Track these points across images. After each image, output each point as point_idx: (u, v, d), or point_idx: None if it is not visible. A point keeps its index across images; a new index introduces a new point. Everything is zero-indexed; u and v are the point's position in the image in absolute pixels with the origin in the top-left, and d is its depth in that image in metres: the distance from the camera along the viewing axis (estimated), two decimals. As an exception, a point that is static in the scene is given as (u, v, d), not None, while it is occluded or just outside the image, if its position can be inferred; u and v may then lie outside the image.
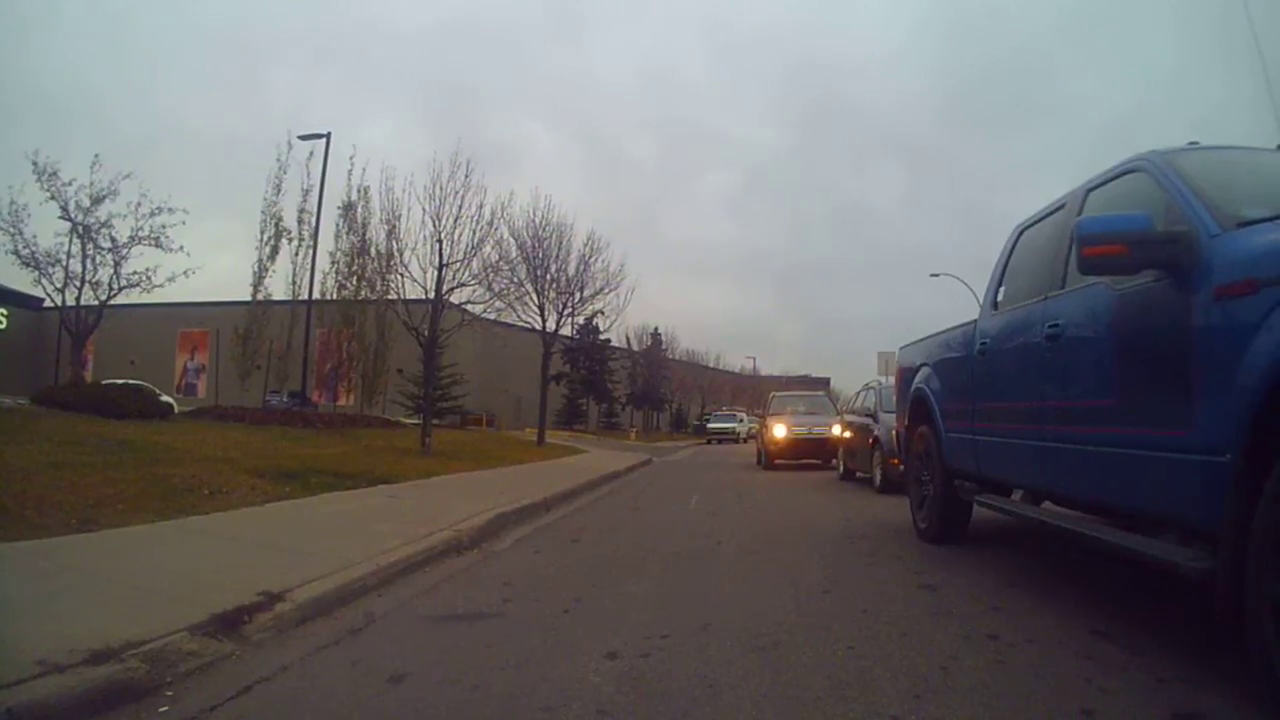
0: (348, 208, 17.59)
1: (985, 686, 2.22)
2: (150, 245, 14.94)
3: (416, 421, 17.03)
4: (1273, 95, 3.97)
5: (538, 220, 17.40)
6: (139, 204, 14.72)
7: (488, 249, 13.81)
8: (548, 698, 2.21)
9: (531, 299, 17.66)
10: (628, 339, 39.17)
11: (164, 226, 14.90)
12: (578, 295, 18.56)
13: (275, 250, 18.44)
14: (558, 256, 17.85)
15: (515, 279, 16.68)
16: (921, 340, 5.63)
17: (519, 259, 16.91)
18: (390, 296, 15.23)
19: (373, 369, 18.84)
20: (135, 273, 15.13)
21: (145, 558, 3.70)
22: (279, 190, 18.48)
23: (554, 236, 17.74)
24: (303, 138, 18.87)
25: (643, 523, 6.53)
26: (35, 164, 13.85)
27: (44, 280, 14.83)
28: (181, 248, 15.24)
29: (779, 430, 13.93)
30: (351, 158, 18.00)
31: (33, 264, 14.48)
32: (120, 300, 15.71)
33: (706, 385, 52.51)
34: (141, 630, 2.50)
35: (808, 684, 2.28)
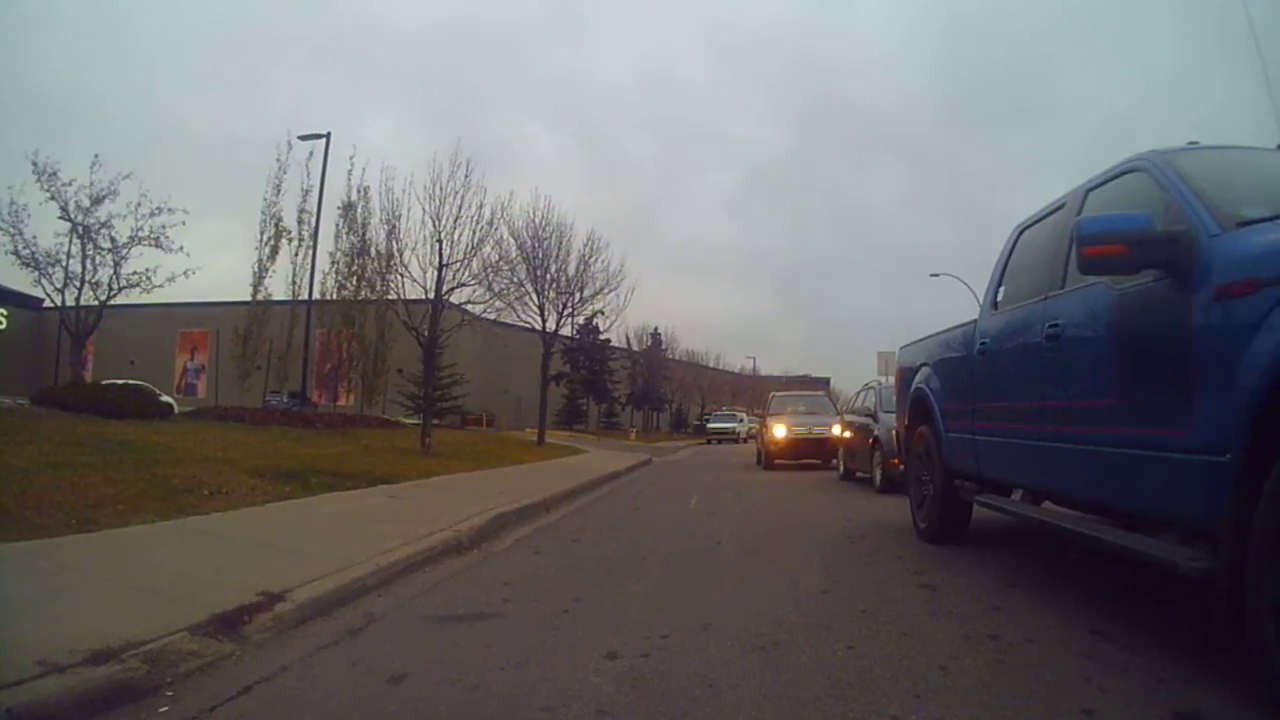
0: (348, 208, 17.56)
1: (985, 686, 2.22)
2: (150, 245, 14.99)
3: (416, 421, 17.04)
4: (1273, 95, 3.97)
5: (538, 220, 17.43)
6: (139, 204, 14.77)
7: (488, 249, 13.82)
8: (548, 698, 2.21)
9: (531, 299, 17.68)
10: (628, 339, 39.22)
11: (164, 227, 14.96)
12: (578, 295, 18.58)
13: (275, 250, 18.43)
14: (558, 256, 17.88)
15: (515, 279, 16.70)
16: (921, 340, 5.63)
17: (519, 259, 16.92)
18: (390, 296, 15.21)
19: (373, 369, 18.81)
20: (135, 273, 15.18)
21: (145, 558, 3.70)
22: (279, 190, 18.48)
23: (554, 236, 17.76)
24: (303, 138, 18.88)
25: (643, 523, 6.53)
26: (35, 164, 13.89)
27: (44, 280, 14.87)
28: (181, 248, 15.29)
29: (779, 430, 13.93)
30: (351, 158, 17.96)
31: (33, 264, 14.51)
32: (120, 300, 15.73)
33: (706, 385, 52.50)
34: (141, 630, 2.50)
35: (808, 684, 2.28)
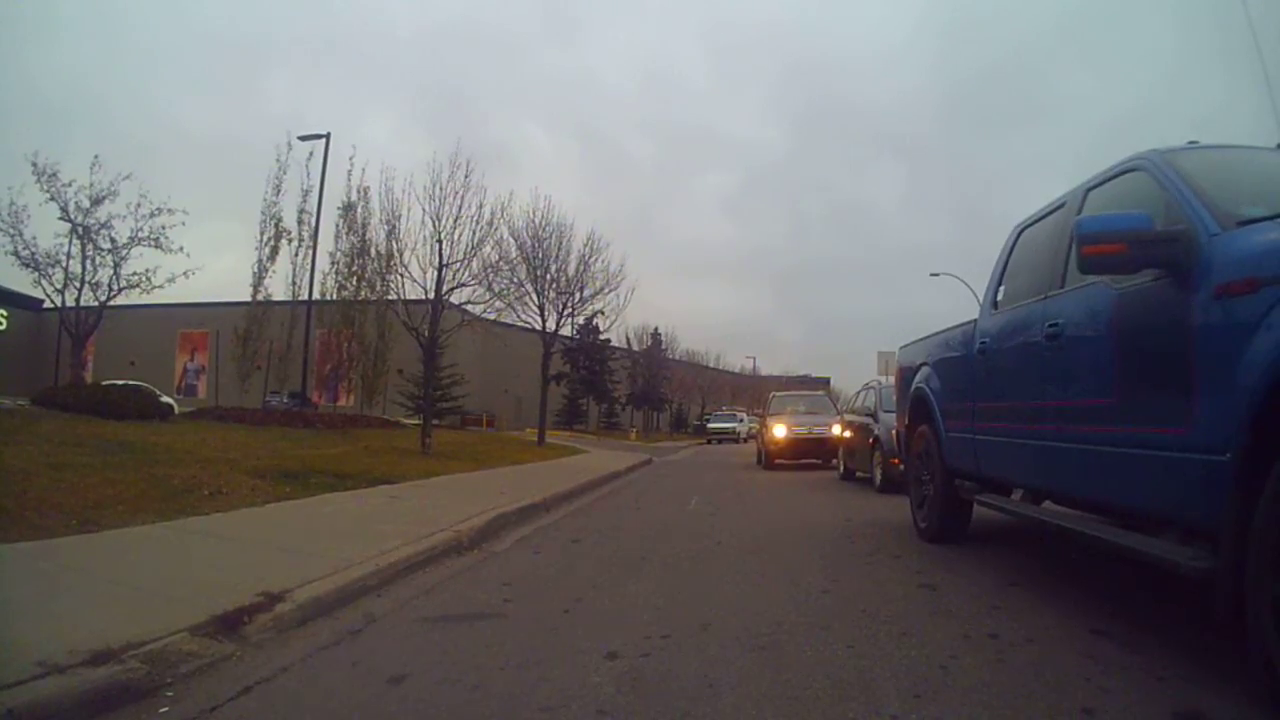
0: (347, 208, 17.57)
1: (985, 686, 2.22)
2: (150, 246, 14.96)
3: (416, 422, 17.02)
4: (1273, 95, 3.98)
5: (537, 220, 17.45)
6: (138, 205, 14.75)
7: (488, 249, 13.81)
8: (548, 698, 2.21)
9: (531, 299, 17.69)
10: (628, 339, 39.22)
11: (164, 227, 14.93)
12: (578, 295, 18.59)
13: (275, 251, 18.46)
14: (558, 256, 17.90)
15: (515, 279, 16.71)
16: (921, 340, 5.63)
17: (519, 259, 16.93)
18: (390, 297, 15.20)
19: (373, 369, 18.82)
20: (135, 273, 15.16)
21: (145, 559, 3.70)
22: (279, 191, 18.50)
23: (554, 236, 17.79)
24: (302, 138, 18.89)
25: (643, 523, 6.52)
26: (35, 165, 13.87)
27: (44, 281, 14.84)
28: (181, 248, 15.27)
29: (779, 430, 13.93)
30: (351, 158, 18.00)
31: (32, 265, 14.48)
32: (120, 301, 15.72)
33: (706, 385, 52.48)
34: (141, 631, 2.50)
35: (808, 684, 2.28)
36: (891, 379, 8.69)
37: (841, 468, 11.69)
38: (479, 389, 32.35)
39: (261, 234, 18.44)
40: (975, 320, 4.49)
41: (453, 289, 13.01)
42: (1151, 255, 2.56)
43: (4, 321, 25.12)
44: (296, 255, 18.64)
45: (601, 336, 35.67)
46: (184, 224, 15.17)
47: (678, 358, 47.42)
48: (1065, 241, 3.33)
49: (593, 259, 18.57)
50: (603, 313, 20.93)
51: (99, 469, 6.08)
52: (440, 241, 12.64)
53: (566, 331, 22.86)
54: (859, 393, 12.26)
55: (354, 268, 17.57)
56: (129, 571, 3.39)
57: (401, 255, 13.22)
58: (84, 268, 14.84)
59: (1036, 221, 4.05)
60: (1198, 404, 2.27)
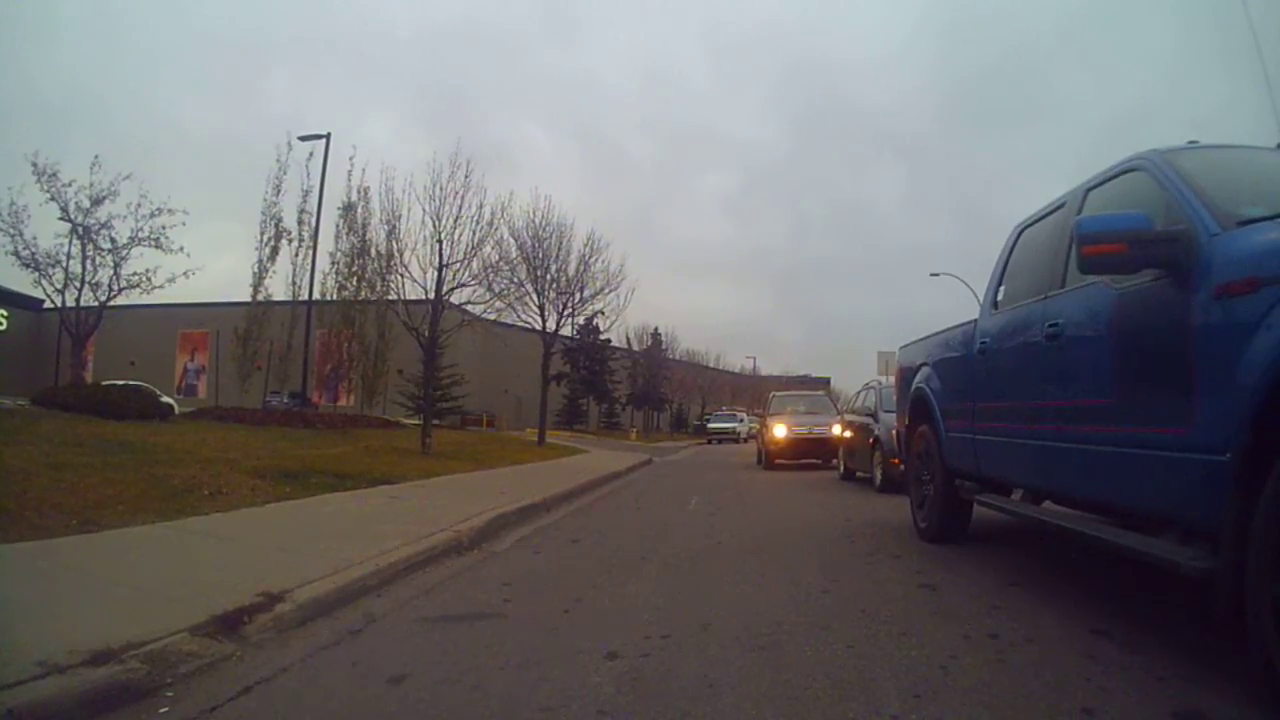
0: (347, 208, 17.55)
1: (985, 686, 2.22)
2: (150, 246, 14.97)
3: (417, 422, 17.02)
4: (1273, 95, 3.97)
5: (538, 220, 17.46)
6: (139, 205, 14.75)
7: (488, 249, 13.81)
8: (548, 698, 2.21)
9: (531, 299, 17.69)
10: (628, 339, 39.24)
11: (164, 227, 14.94)
12: (578, 295, 18.59)
13: (275, 251, 18.43)
14: (558, 256, 17.90)
15: (515, 279, 16.71)
16: (921, 340, 5.63)
17: (519, 259, 16.94)
18: (390, 297, 15.20)
19: (373, 369, 18.80)
20: (135, 274, 15.16)
21: (145, 559, 3.70)
22: (279, 191, 18.47)
23: (554, 237, 17.79)
24: (302, 138, 18.88)
25: (643, 523, 6.52)
26: (35, 165, 13.86)
27: (44, 281, 14.84)
28: (181, 249, 15.27)
29: (779, 430, 13.93)
30: (351, 158, 17.96)
31: (33, 265, 14.48)
32: (120, 301, 15.72)
33: (706, 385, 52.48)
34: (142, 631, 2.50)
35: (808, 684, 2.28)
36: (891, 379, 8.69)
37: (841, 468, 11.69)
38: (479, 389, 32.35)
39: (261, 234, 18.45)
40: (975, 320, 4.49)
41: (453, 289, 13.02)
42: (1151, 255, 2.56)
43: (4, 321, 25.14)
44: (296, 255, 18.65)
45: (601, 336, 35.69)
46: (184, 224, 15.20)
47: (678, 358, 47.43)
48: (1065, 241, 3.33)
49: (593, 259, 18.60)
50: (603, 313, 20.98)
51: (99, 469, 6.08)
52: (440, 241, 12.64)
53: (566, 331, 22.85)
54: (859, 393, 12.26)
55: (354, 268, 17.57)
56: (129, 571, 3.39)
57: (401, 255, 13.24)
58: (84, 268, 14.85)
59: (1036, 221, 4.05)
60: (1198, 404, 2.27)
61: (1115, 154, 3.32)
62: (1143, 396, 2.64)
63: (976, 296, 16.27)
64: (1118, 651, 2.53)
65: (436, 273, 12.63)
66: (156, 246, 14.96)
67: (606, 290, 19.15)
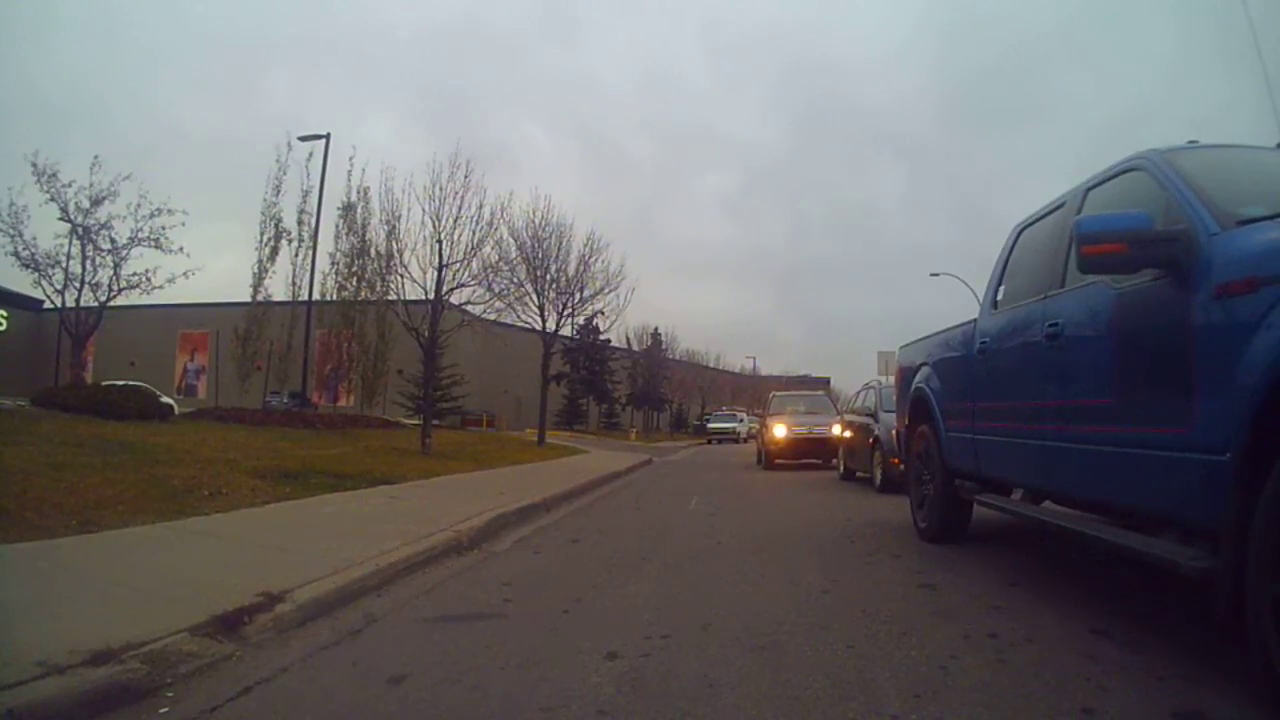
0: (347, 208, 17.57)
1: (985, 685, 2.22)
2: (150, 246, 14.96)
3: (416, 422, 17.02)
4: (1273, 95, 3.98)
5: (537, 220, 17.45)
6: (138, 205, 14.74)
7: (487, 249, 13.82)
8: (548, 698, 2.21)
9: (531, 299, 17.68)
10: (628, 339, 39.23)
11: (163, 228, 14.93)
12: (578, 295, 18.58)
13: (275, 251, 18.44)
14: (557, 257, 17.89)
15: (515, 279, 16.70)
16: (921, 340, 5.63)
17: (519, 259, 16.93)
18: (390, 297, 15.21)
19: (373, 370, 18.81)
20: (135, 274, 15.16)
21: (145, 559, 3.70)
22: (279, 191, 18.48)
23: (554, 237, 17.78)
24: (302, 139, 18.88)
25: (643, 523, 6.52)
26: (35, 165, 13.85)
27: (44, 282, 14.83)
28: (181, 249, 15.27)
29: (779, 430, 13.93)
30: (351, 159, 18.00)
31: (32, 265, 14.47)
32: (120, 301, 15.71)
33: (706, 385, 52.48)
34: (141, 631, 2.50)
35: (808, 684, 2.28)
36: (891, 379, 8.69)
37: (841, 468, 11.69)
38: (479, 389, 32.34)
39: (261, 234, 18.45)
40: (975, 320, 4.49)
41: (453, 289, 13.02)
42: (1151, 255, 2.55)
43: (4, 322, 25.10)
44: (296, 255, 18.66)
45: (601, 336, 35.69)
46: (184, 224, 15.19)
47: (678, 358, 47.42)
48: (1065, 241, 3.33)
49: (593, 259, 18.59)
50: (603, 313, 20.98)
51: (99, 469, 6.08)
52: (440, 242, 12.64)
53: (566, 331, 22.85)
54: (859, 393, 12.25)
55: (354, 268, 17.58)
56: (129, 571, 3.39)
57: (401, 255, 13.25)
58: (84, 268, 14.84)
59: (1036, 221, 4.05)
60: (1198, 404, 2.27)
61: (1115, 154, 3.33)
62: (1143, 396, 2.64)
63: (976, 296, 16.27)
64: (1118, 651, 2.53)
65: (436, 273, 12.63)
66: (156, 247, 14.98)
67: (606, 290, 19.18)
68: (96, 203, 14.47)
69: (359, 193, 17.27)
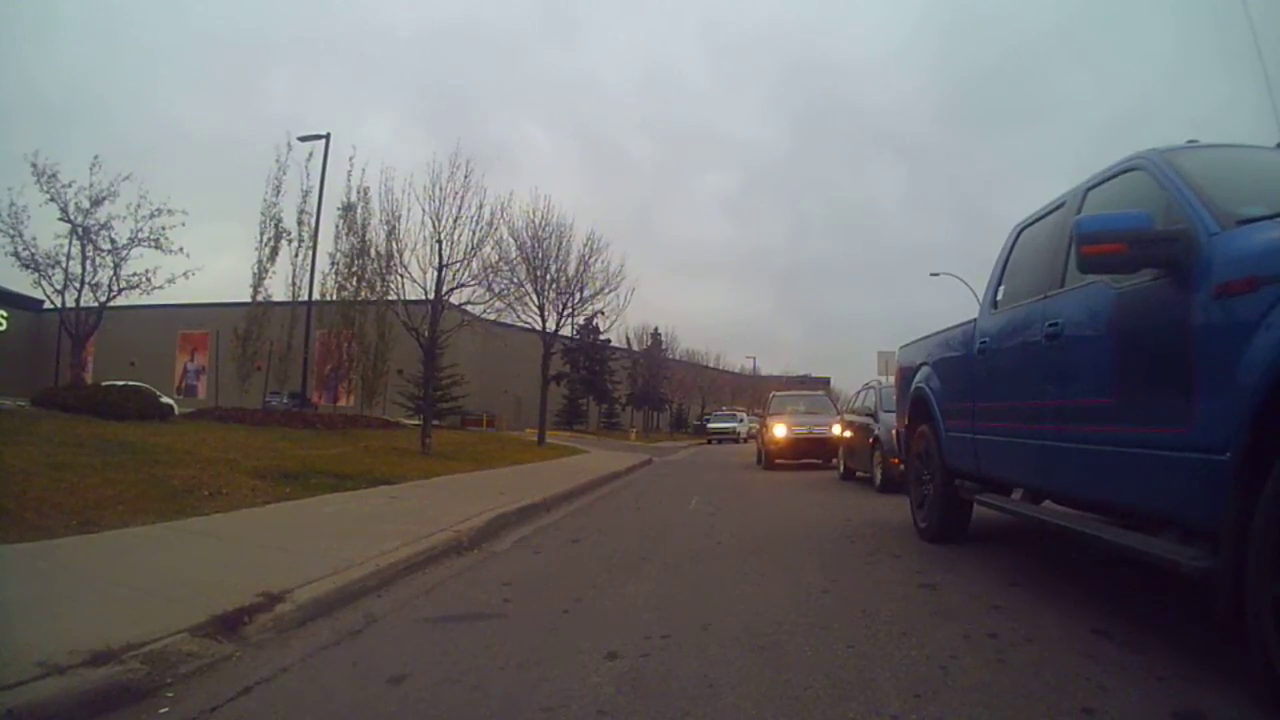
0: (347, 209, 17.54)
1: (985, 685, 2.22)
2: (150, 247, 14.95)
3: (416, 422, 17.02)
4: (1273, 95, 3.98)
5: (537, 220, 17.45)
6: (138, 205, 14.72)
7: (487, 249, 13.82)
8: (548, 698, 2.21)
9: (531, 299, 17.69)
10: (628, 339, 39.22)
11: (163, 228, 14.91)
12: (578, 295, 18.58)
13: (275, 251, 18.42)
14: (557, 257, 17.89)
15: (515, 279, 16.70)
16: (921, 339, 5.62)
17: (519, 259, 16.94)
18: (390, 297, 15.20)
19: (373, 370, 18.79)
20: (135, 274, 15.14)
21: (145, 559, 3.70)
22: (278, 191, 18.46)
23: (554, 237, 17.79)
24: (302, 139, 18.87)
25: (643, 523, 6.52)
26: (35, 166, 13.84)
27: (44, 282, 14.82)
28: (181, 249, 15.26)
29: (779, 430, 13.93)
30: (351, 159, 17.95)
31: (32, 265, 14.46)
32: (120, 302, 15.70)
33: (706, 385, 52.46)
34: (141, 631, 2.50)
35: (808, 684, 2.28)
36: (891, 379, 8.68)
37: (841, 468, 11.68)
38: (479, 389, 32.34)
39: (261, 234, 18.43)
40: (975, 320, 4.49)
41: (453, 289, 13.02)
42: (1151, 255, 2.55)
43: (4, 322, 25.08)
44: (296, 256, 18.64)
45: (601, 336, 35.68)
46: (184, 224, 15.17)
47: (678, 358, 47.41)
48: (1065, 241, 3.33)
49: (593, 259, 18.60)
50: (603, 313, 20.98)
51: (99, 469, 6.08)
52: (440, 242, 12.64)
53: (566, 331, 22.85)
54: (859, 393, 12.25)
55: (354, 268, 17.55)
56: (129, 572, 3.39)
57: (401, 255, 13.25)
58: (84, 268, 14.82)
59: (1036, 221, 4.05)
60: (1198, 403, 2.27)
61: (1115, 154, 3.33)
62: (1142, 396, 2.64)
63: (976, 296, 16.27)
64: (1118, 651, 2.53)
65: (436, 273, 12.63)
66: (156, 247, 14.96)
67: (606, 290, 19.18)
68: (96, 203, 14.46)
69: (359, 193, 17.27)
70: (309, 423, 15.12)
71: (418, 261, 12.88)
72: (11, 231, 14.08)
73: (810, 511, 7.13)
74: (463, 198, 12.87)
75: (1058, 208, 3.73)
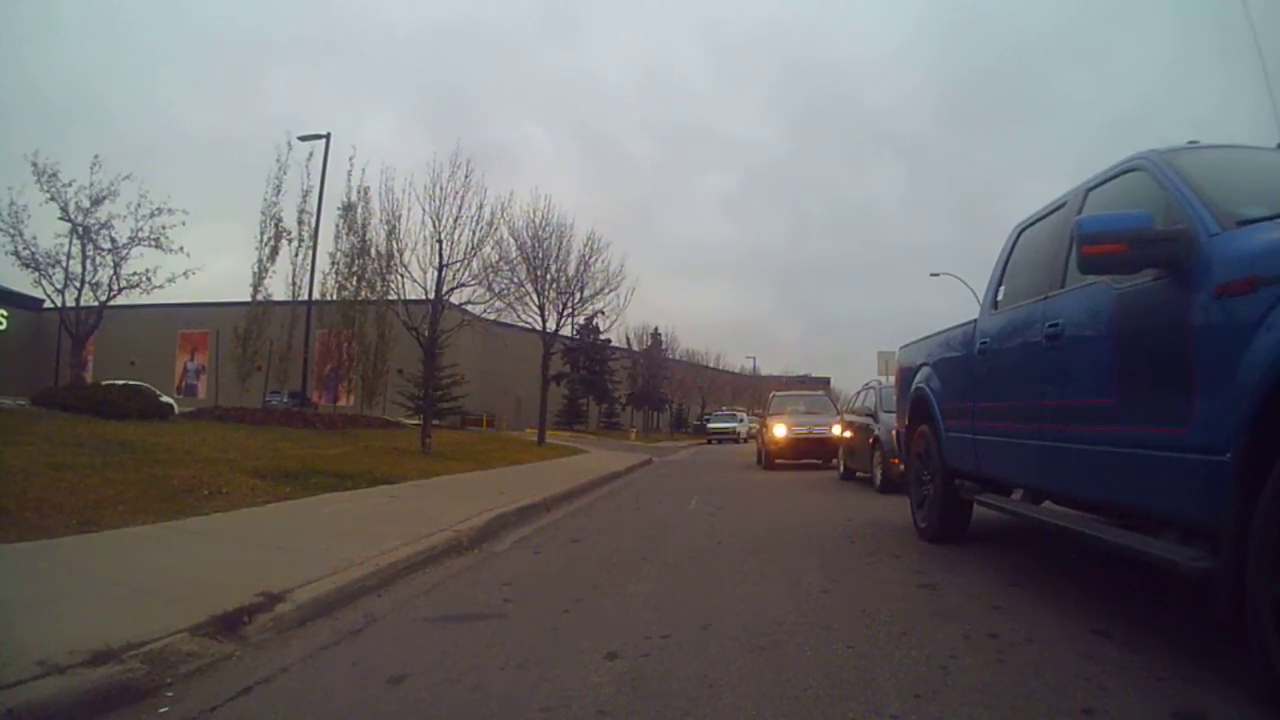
0: (347, 208, 17.55)
1: (985, 686, 2.22)
2: (150, 246, 14.92)
3: (416, 422, 17.01)
4: (1273, 95, 3.98)
5: (537, 220, 17.46)
6: (138, 205, 14.70)
7: (488, 249, 13.81)
8: (548, 698, 2.21)
9: (531, 299, 17.69)
10: (628, 339, 39.21)
11: (164, 227, 14.88)
12: (578, 295, 18.59)
13: (275, 251, 18.40)
14: (558, 256, 17.90)
15: (515, 279, 16.71)
16: (922, 340, 5.62)
17: (519, 259, 16.94)
18: (390, 297, 15.21)
19: (373, 369, 18.80)
20: (135, 273, 15.11)
21: (145, 559, 3.70)
22: (279, 191, 18.44)
23: (554, 236, 17.79)
24: (302, 138, 18.86)
25: (643, 523, 6.52)
26: (35, 165, 13.82)
27: (44, 281, 14.79)
28: (181, 248, 15.23)
29: (779, 430, 13.93)
30: (351, 158, 17.95)
31: (33, 265, 14.44)
32: (120, 301, 15.68)
33: (706, 385, 52.47)
34: (141, 631, 2.50)
35: (808, 684, 2.28)
36: (891, 379, 8.69)
37: (841, 468, 11.68)
38: (479, 389, 32.32)
39: (261, 234, 18.41)
40: (975, 320, 4.49)
41: (453, 289, 13.02)
42: (1152, 255, 2.55)
43: (4, 321, 25.12)
44: (296, 255, 18.62)
45: (601, 336, 35.68)
46: (184, 224, 15.14)
47: (678, 358, 47.40)
48: (1065, 241, 3.33)
49: (593, 259, 18.60)
50: (603, 313, 20.99)
51: (99, 469, 6.08)
52: (440, 241, 12.64)
53: (566, 331, 22.85)
54: (859, 393, 12.25)
55: (354, 268, 17.56)
56: (129, 571, 3.39)
57: (401, 255, 13.24)
58: (84, 268, 14.80)
59: (1036, 221, 4.05)
60: (1198, 404, 2.27)
61: (1115, 154, 3.33)
62: (1143, 396, 2.64)
63: (976, 296, 16.27)
64: (1118, 651, 2.53)
65: (436, 273, 12.63)
66: (156, 246, 14.94)
67: (606, 290, 19.19)
68: (96, 202, 14.45)
69: (359, 192, 17.27)
70: (309, 422, 15.12)
71: (418, 261, 12.90)
72: (12, 231, 14.08)
73: (810, 511, 7.13)
74: (463, 197, 12.89)
75: (1058, 208, 3.73)
